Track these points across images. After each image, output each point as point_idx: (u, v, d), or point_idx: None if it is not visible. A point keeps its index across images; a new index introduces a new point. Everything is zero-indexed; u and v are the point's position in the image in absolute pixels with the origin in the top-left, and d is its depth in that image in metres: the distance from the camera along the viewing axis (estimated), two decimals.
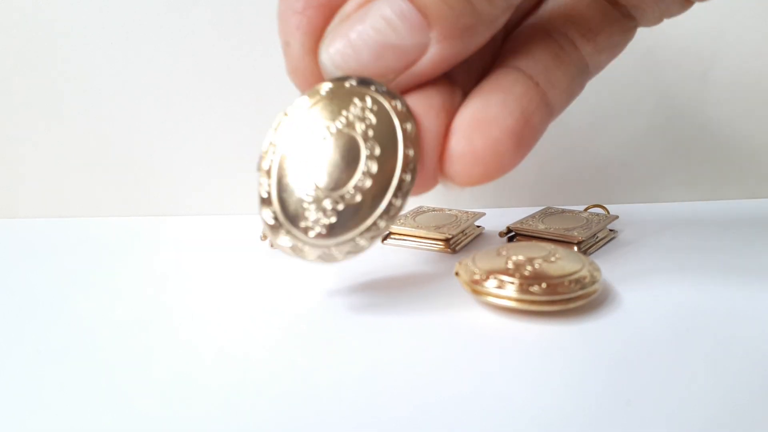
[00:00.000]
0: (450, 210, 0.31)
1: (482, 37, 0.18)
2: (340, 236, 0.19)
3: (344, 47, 0.18)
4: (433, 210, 0.32)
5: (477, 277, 0.22)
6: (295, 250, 0.19)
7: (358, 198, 0.19)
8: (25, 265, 0.28)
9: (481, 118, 0.18)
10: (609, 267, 0.25)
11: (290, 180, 0.20)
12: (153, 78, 0.34)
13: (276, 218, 0.20)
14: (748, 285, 0.24)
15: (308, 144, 0.20)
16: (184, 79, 0.34)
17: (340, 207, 0.19)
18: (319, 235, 0.19)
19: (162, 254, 0.29)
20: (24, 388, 0.18)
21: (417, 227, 0.29)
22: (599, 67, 0.22)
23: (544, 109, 0.19)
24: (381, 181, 0.19)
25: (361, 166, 0.19)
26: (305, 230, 0.19)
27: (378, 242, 0.30)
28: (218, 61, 0.34)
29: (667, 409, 0.16)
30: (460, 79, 0.20)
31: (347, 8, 0.18)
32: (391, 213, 0.19)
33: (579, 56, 0.21)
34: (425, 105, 0.18)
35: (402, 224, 0.29)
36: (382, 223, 0.19)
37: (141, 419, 0.16)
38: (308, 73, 0.19)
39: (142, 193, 0.35)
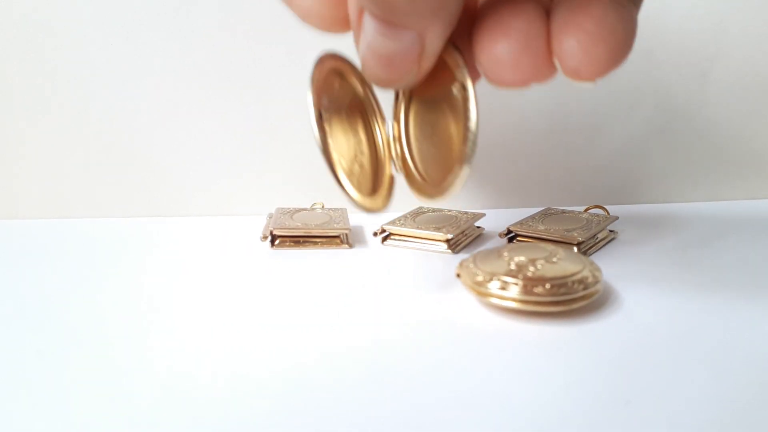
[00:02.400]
0: (450, 211, 0.31)
1: (454, 3, 0.18)
2: None
3: (370, 65, 0.19)
4: (433, 211, 0.32)
5: (480, 278, 0.22)
6: None
7: None
8: (25, 265, 0.28)
9: (576, 5, 0.18)
10: (609, 267, 0.25)
11: None
12: (153, 78, 0.34)
13: None
14: (748, 285, 0.24)
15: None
16: (185, 79, 0.34)
17: None
18: None
19: (162, 255, 0.29)
20: (24, 388, 0.18)
21: (417, 228, 0.29)
22: None
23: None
24: None
25: None
26: None
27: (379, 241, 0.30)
28: (219, 61, 0.34)
29: (667, 409, 0.16)
30: None
31: (352, 21, 0.19)
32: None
33: None
34: (510, 9, 0.18)
35: (402, 225, 0.29)
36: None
37: (141, 419, 0.16)
38: (321, 13, 0.20)
39: (142, 194, 0.35)
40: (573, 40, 0.17)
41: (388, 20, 0.17)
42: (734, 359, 0.18)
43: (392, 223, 0.30)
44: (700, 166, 0.36)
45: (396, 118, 0.23)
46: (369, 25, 0.18)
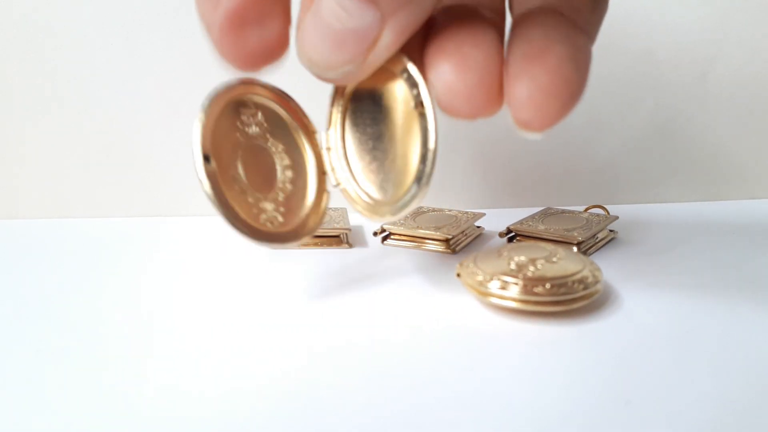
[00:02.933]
0: (450, 210, 0.31)
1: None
2: None
3: (311, 40, 0.18)
4: (433, 210, 0.32)
5: (480, 278, 0.22)
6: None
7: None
8: (25, 265, 0.28)
9: (533, 54, 0.17)
10: (609, 267, 0.25)
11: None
12: (153, 78, 0.34)
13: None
14: (748, 285, 0.24)
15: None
16: (185, 79, 0.34)
17: None
18: None
19: (162, 255, 0.29)
20: (24, 388, 0.18)
21: (417, 228, 0.29)
22: None
23: (582, 35, 0.18)
24: None
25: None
26: None
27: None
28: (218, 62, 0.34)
29: (667, 409, 0.16)
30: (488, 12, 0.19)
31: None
32: None
33: None
34: (470, 38, 0.18)
35: (402, 225, 0.29)
36: None
37: (140, 419, 0.16)
38: (236, 52, 0.20)
39: (142, 194, 0.35)
40: (526, 93, 0.17)
41: None
42: (734, 359, 0.18)
43: (392, 222, 0.30)
44: (700, 166, 0.36)
45: (330, 126, 0.22)
46: None
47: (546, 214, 0.31)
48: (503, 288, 0.21)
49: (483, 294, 0.22)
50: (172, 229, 0.33)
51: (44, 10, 0.33)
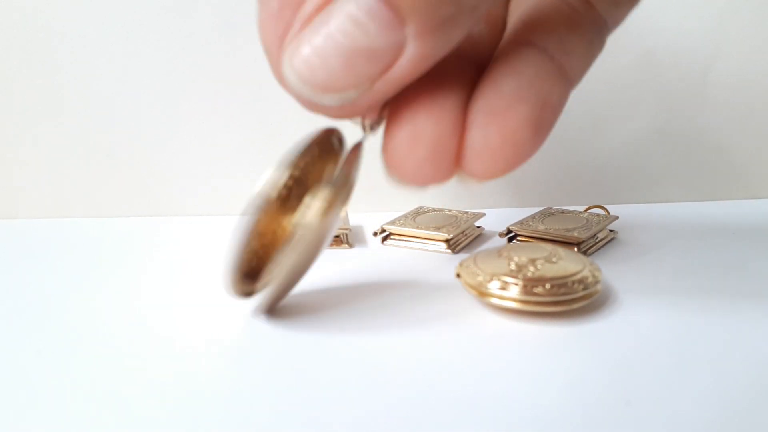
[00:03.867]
0: (450, 210, 0.31)
1: (464, 28, 0.16)
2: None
3: (310, 56, 0.15)
4: (433, 210, 0.32)
5: (480, 278, 0.22)
6: None
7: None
8: (25, 265, 0.28)
9: (495, 110, 0.17)
10: (609, 267, 0.25)
11: None
12: (153, 78, 0.34)
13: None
14: (748, 285, 0.24)
15: None
16: (185, 79, 0.34)
17: None
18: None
19: (162, 255, 0.29)
20: (24, 388, 0.18)
21: (417, 228, 0.29)
22: (619, 20, 0.19)
23: (562, 84, 0.18)
24: None
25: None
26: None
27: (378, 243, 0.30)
28: (218, 61, 0.34)
29: (667, 409, 0.16)
30: (468, 56, 0.18)
31: (307, 8, 0.16)
32: None
33: (595, 14, 0.19)
34: (426, 107, 0.17)
35: (402, 225, 0.29)
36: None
37: (140, 419, 0.16)
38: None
39: (143, 194, 0.35)
40: (476, 150, 0.17)
41: (394, 4, 0.14)
42: (734, 359, 0.18)
43: (392, 222, 0.30)
44: (700, 166, 0.36)
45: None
46: (354, 4, 0.15)
47: (546, 214, 0.31)
48: (503, 288, 0.21)
49: (483, 294, 0.22)
50: (172, 229, 0.33)
51: (44, 10, 0.33)
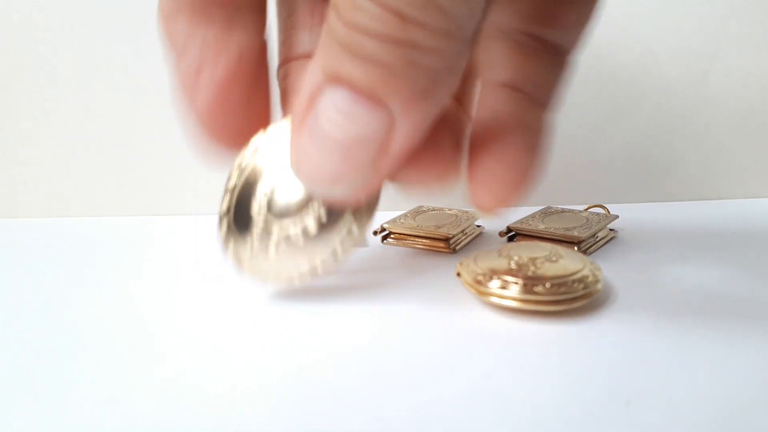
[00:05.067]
0: (450, 209, 0.31)
1: (448, 88, 0.16)
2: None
3: (312, 158, 0.16)
4: (433, 210, 0.32)
5: (480, 277, 0.22)
6: (236, 259, 0.22)
7: (300, 240, 0.21)
8: (24, 265, 0.28)
9: (493, 176, 0.19)
10: (609, 267, 0.25)
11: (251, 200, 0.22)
12: (153, 78, 0.34)
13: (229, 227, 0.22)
14: (748, 284, 0.24)
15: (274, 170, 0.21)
16: None
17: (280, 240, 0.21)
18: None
19: (162, 254, 0.29)
20: (24, 387, 0.18)
21: (417, 227, 0.29)
22: (576, 42, 0.21)
23: (541, 113, 0.20)
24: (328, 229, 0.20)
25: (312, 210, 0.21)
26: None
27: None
28: None
29: (667, 409, 0.16)
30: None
31: (297, 112, 0.16)
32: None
33: (546, 43, 0.20)
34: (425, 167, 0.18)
35: (402, 224, 0.29)
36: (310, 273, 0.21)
37: (139, 419, 0.16)
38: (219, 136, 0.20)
39: (143, 193, 0.35)
40: (486, 185, 0.19)
41: (369, 91, 0.15)
42: (734, 359, 0.18)
43: (392, 222, 0.30)
44: (700, 166, 0.36)
45: None
46: (334, 99, 0.15)
47: (546, 213, 0.31)
48: (503, 287, 0.21)
49: (483, 293, 0.22)
50: (172, 229, 0.33)
51: (44, 10, 0.33)
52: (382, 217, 0.31)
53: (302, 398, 0.17)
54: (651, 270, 0.25)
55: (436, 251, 0.28)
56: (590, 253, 0.27)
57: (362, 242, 0.20)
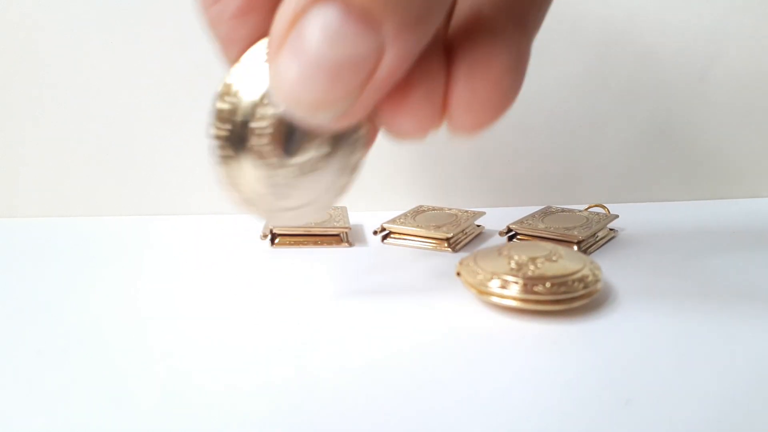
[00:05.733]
0: (450, 209, 0.31)
1: (439, 17, 0.16)
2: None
3: (295, 79, 0.15)
4: (433, 209, 0.32)
5: (480, 277, 0.22)
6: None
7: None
8: (24, 264, 0.28)
9: (476, 62, 0.17)
10: (609, 266, 0.25)
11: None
12: (152, 78, 0.34)
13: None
14: (748, 284, 0.24)
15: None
16: (184, 78, 0.34)
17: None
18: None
19: (162, 254, 0.29)
20: (23, 388, 0.18)
21: (417, 226, 0.29)
22: None
23: (525, 34, 0.19)
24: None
25: None
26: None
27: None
28: (217, 61, 0.34)
29: (667, 408, 0.16)
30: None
31: (277, 31, 0.15)
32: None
33: None
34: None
35: (402, 223, 0.29)
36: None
37: (139, 419, 0.16)
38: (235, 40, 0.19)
39: (142, 193, 0.35)
40: (465, 104, 0.17)
41: (363, 10, 0.14)
42: (734, 358, 0.18)
43: (392, 221, 0.30)
44: (700, 166, 0.36)
45: None
46: (323, 17, 0.14)
47: (546, 213, 0.31)
48: (503, 287, 0.21)
49: (483, 293, 0.22)
50: (172, 228, 0.33)
51: (43, 10, 0.33)
52: (382, 216, 0.31)
53: (302, 398, 0.17)
54: (651, 269, 0.25)
55: (436, 251, 0.28)
56: (590, 253, 0.27)
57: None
